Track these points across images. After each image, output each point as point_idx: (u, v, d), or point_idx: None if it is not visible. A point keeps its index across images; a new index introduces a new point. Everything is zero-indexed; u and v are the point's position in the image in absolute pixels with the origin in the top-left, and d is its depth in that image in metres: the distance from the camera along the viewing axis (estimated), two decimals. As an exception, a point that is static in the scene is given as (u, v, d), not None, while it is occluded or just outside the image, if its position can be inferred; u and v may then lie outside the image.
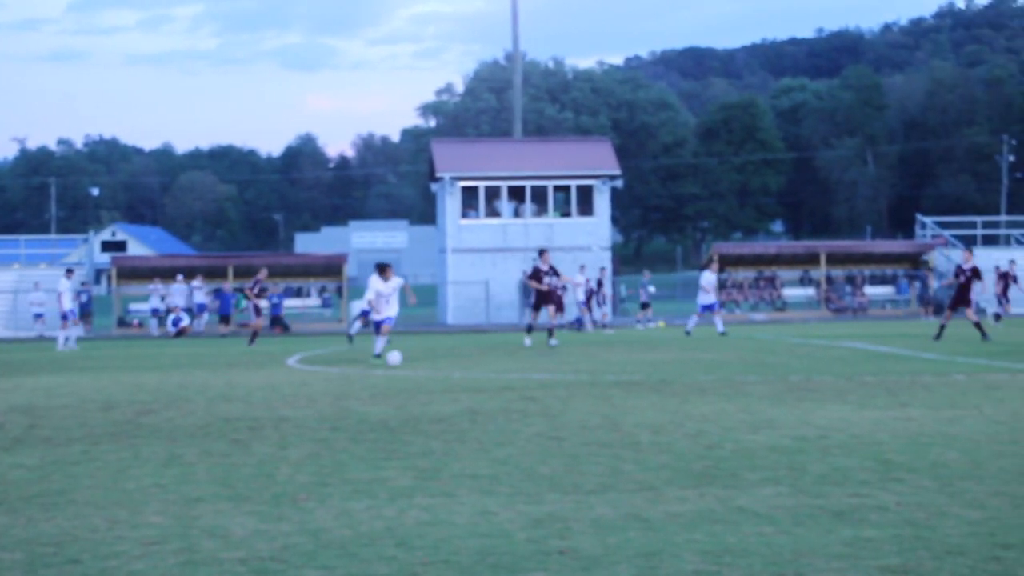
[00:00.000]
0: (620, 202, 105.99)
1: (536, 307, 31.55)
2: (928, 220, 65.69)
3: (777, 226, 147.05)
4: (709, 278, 37.03)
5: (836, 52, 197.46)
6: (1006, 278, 47.90)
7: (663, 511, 8.46)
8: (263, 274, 37.10)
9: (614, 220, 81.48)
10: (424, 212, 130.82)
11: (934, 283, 56.46)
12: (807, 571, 6.68)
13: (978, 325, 30.04)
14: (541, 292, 31.17)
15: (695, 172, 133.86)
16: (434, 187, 57.01)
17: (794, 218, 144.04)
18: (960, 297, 30.42)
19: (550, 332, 31.05)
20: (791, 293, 58.09)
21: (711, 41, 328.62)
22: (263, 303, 37.39)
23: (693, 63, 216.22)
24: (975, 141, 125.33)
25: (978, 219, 70.51)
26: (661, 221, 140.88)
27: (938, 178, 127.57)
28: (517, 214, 55.48)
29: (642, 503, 8.78)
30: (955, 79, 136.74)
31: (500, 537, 7.68)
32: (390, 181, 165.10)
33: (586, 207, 55.63)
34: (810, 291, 58.14)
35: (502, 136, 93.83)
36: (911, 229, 72.53)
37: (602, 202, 55.77)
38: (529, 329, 31.51)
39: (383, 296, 26.24)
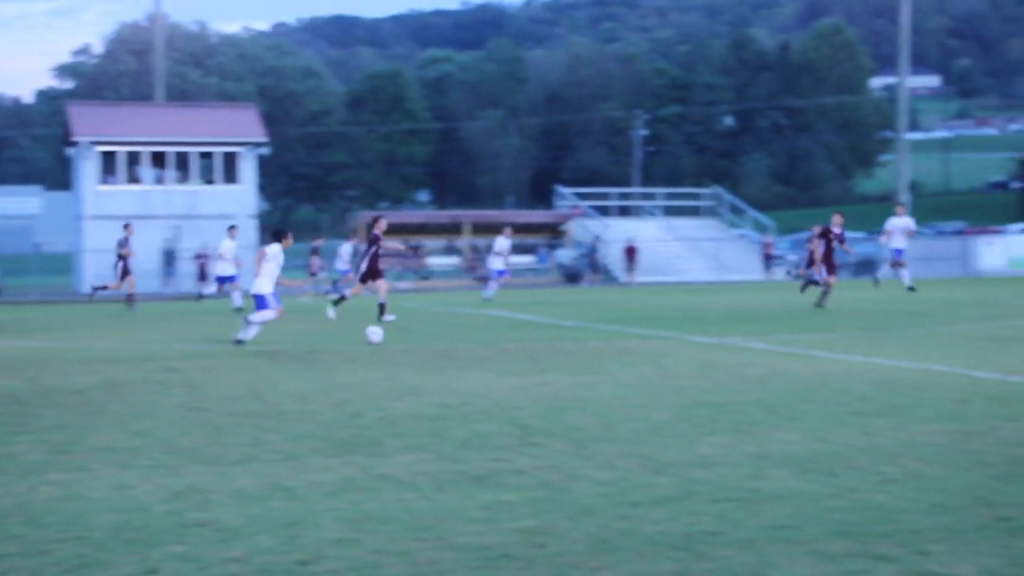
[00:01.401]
0: (266, 170, 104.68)
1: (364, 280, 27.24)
2: (567, 191, 67.86)
3: (423, 196, 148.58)
4: (504, 243, 38.25)
5: (481, 25, 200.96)
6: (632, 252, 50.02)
7: (306, 480, 8.46)
8: None
9: (260, 188, 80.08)
10: (60, 178, 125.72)
11: (573, 252, 58.41)
12: (447, 535, 6.82)
13: (819, 286, 28.91)
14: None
15: (342, 141, 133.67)
16: (70, 152, 54.83)
17: (440, 188, 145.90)
18: (827, 260, 28.89)
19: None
20: (436, 262, 58.92)
21: (358, 10, 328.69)
22: None
23: (340, 31, 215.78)
24: (611, 115, 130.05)
25: (613, 190, 73.32)
26: (308, 189, 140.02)
27: (577, 150, 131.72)
28: (159, 181, 54.08)
29: (285, 473, 8.75)
30: (592, 55, 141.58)
31: (137, 511, 7.51)
32: (22, 144, 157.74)
33: (231, 174, 54.77)
34: (455, 260, 59.12)
35: (143, 101, 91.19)
36: (551, 200, 74.68)
37: (248, 170, 55.05)
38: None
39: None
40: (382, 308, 25.19)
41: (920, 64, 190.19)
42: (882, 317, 25.26)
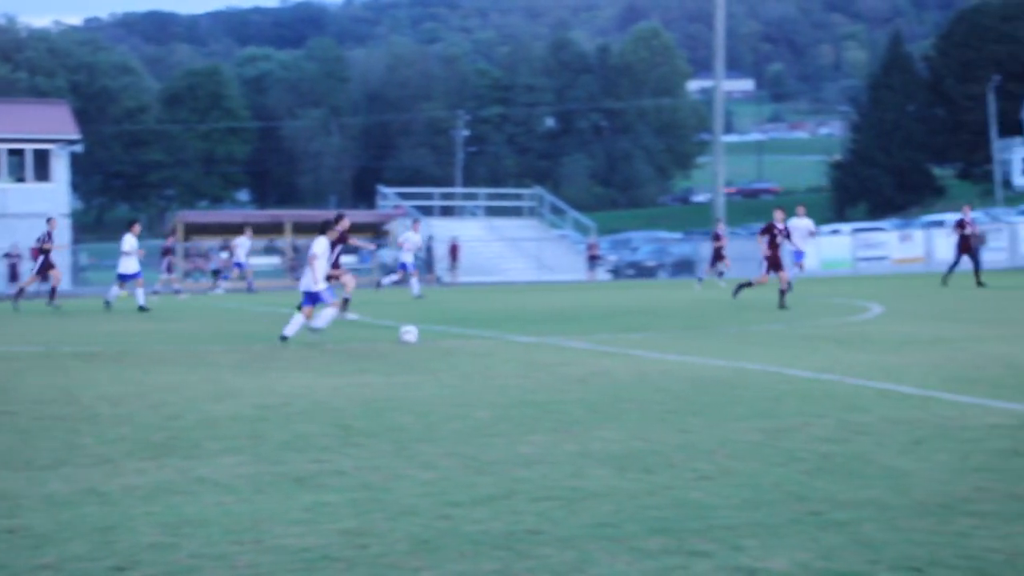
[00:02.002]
0: (80, 168, 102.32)
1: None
2: (389, 191, 67.71)
3: (243, 195, 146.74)
4: (414, 238, 37.18)
5: (300, 23, 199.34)
6: None
7: (120, 484, 8.27)
8: None
9: (74, 186, 78.21)
10: None
11: (395, 252, 58.26)
12: (266, 537, 6.73)
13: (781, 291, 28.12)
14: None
15: (159, 139, 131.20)
16: None
17: (260, 187, 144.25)
18: (773, 258, 28.08)
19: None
20: (257, 262, 58.24)
21: (174, 6, 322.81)
22: None
23: (156, 28, 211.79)
24: (433, 116, 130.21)
25: (435, 191, 73.39)
26: (124, 188, 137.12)
27: (399, 150, 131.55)
28: (-33, 178, 52.40)
29: (99, 477, 8.54)
30: (413, 55, 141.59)
31: (-57, 521, 7.25)
32: None
33: (43, 172, 53.34)
34: (276, 260, 58.52)
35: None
36: (373, 199, 74.41)
37: (60, 167, 53.68)
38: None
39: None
40: (346, 303, 25.81)
41: (735, 68, 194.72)
42: (699, 316, 25.76)
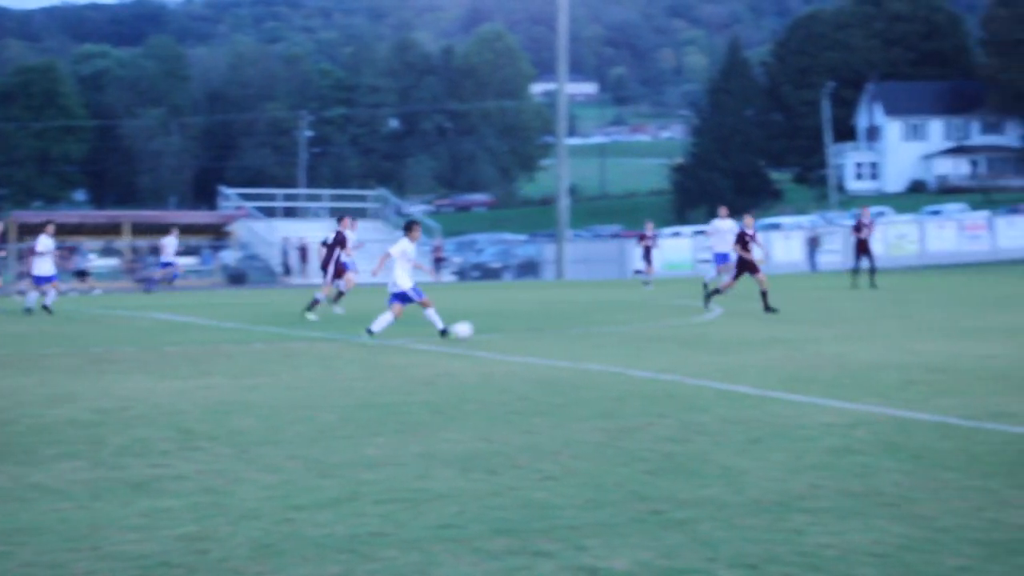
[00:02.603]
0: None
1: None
2: (231, 192, 66.88)
3: (80, 195, 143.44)
4: (172, 241, 37.75)
5: (139, 20, 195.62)
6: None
7: (-49, 493, 8.02)
8: None
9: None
10: None
11: (237, 253, 57.58)
12: (103, 544, 6.60)
13: (716, 291, 27.67)
14: None
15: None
16: None
17: (98, 187, 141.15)
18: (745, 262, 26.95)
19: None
20: (94, 263, 56.99)
21: (6, 1, 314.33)
22: None
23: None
24: (275, 116, 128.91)
25: (278, 192, 72.70)
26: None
27: (241, 151, 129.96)
28: None
29: (-72, 486, 8.28)
30: (255, 54, 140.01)
31: None
32: None
33: None
34: (114, 261, 57.37)
35: None
36: (215, 200, 73.41)
37: None
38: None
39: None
40: (315, 302, 26.68)
41: (578, 71, 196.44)
42: (543, 318, 25.93)
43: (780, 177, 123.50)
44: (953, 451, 8.97)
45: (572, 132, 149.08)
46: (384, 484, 8.16)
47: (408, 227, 20.71)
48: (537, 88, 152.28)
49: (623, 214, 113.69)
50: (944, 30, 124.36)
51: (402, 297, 20.33)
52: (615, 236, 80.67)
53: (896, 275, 45.79)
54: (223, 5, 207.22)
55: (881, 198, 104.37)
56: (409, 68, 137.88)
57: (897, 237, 64.31)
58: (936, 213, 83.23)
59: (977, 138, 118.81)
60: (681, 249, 63.60)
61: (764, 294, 25.94)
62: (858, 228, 36.66)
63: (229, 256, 58.98)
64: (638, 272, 45.22)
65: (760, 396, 12.17)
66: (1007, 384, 12.67)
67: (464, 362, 16.12)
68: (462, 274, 64.61)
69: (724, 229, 33.29)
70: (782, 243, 64.15)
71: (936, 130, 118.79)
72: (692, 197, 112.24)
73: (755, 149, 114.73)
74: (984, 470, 8.25)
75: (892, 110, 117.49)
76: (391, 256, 20.22)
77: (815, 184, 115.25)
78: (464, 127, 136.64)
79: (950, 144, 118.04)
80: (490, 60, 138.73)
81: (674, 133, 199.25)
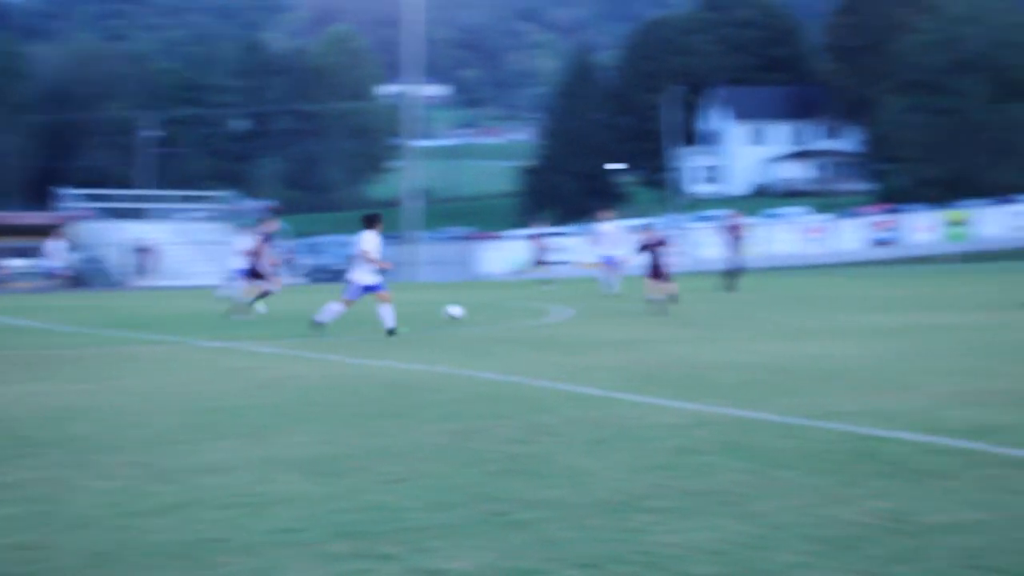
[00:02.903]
0: None
1: None
2: (73, 192, 65.44)
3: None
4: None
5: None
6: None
7: None
8: None
9: None
10: None
11: (76, 255, 56.31)
12: (-70, 557, 6.38)
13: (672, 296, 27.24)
14: None
15: None
16: None
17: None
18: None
19: None
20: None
21: None
22: None
23: None
24: (119, 115, 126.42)
25: (123, 192, 71.38)
26: None
27: (83, 150, 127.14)
28: None
29: None
30: (99, 52, 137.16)
31: None
32: None
33: None
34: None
35: None
36: (56, 201, 71.78)
37: None
38: None
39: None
40: (257, 300, 27.36)
41: (429, 73, 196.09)
42: (396, 320, 25.78)
43: (627, 180, 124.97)
44: (790, 450, 9.14)
45: (423, 134, 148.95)
46: (224, 489, 8.03)
47: (371, 220, 20.62)
48: (387, 90, 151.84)
49: (474, 216, 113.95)
50: (787, 37, 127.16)
51: (369, 289, 20.55)
52: (464, 238, 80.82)
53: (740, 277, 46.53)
54: (66, 2, 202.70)
55: (726, 201, 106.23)
56: (258, 68, 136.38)
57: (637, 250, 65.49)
58: (776, 216, 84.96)
59: (819, 142, 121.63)
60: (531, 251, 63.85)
61: (668, 299, 25.92)
62: (732, 230, 37.24)
63: (63, 258, 57.58)
64: (537, 270, 44.80)
65: (606, 397, 12.27)
66: (841, 383, 12.98)
67: (310, 365, 15.98)
68: (309, 275, 64.09)
69: (607, 232, 33.61)
70: (591, 242, 64.83)
71: (780, 134, 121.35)
72: (541, 199, 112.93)
73: (603, 152, 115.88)
74: (818, 468, 8.42)
75: (737, 114, 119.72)
76: (367, 252, 20.21)
77: (661, 187, 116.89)
78: (313, 128, 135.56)
79: (793, 148, 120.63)
80: (340, 61, 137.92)
81: (524, 136, 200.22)
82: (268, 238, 28.18)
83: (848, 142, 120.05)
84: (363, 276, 20.35)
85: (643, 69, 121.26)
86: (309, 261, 67.12)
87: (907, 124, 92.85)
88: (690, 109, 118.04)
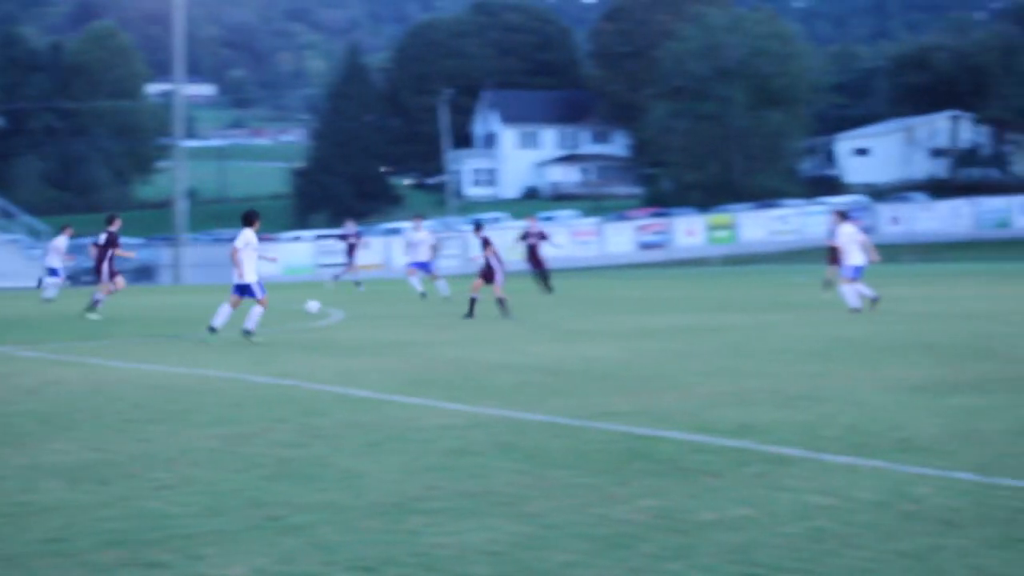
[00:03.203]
0: None
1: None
2: None
3: None
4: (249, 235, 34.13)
5: None
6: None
7: None
8: None
9: None
10: None
11: None
12: None
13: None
14: None
15: None
16: None
17: None
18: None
19: None
20: None
21: None
22: None
23: None
24: None
25: None
26: None
27: None
28: None
29: None
30: None
31: None
32: None
33: None
34: None
35: None
36: None
37: None
38: None
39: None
40: (96, 302, 26.39)
41: (196, 72, 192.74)
42: (160, 323, 25.27)
43: (400, 182, 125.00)
44: (564, 450, 9.28)
45: (190, 134, 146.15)
46: (-15, 500, 7.74)
47: (247, 217, 20.12)
48: (153, 88, 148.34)
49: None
50: (556, 42, 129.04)
51: (244, 290, 19.90)
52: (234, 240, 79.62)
53: (512, 279, 47.04)
54: None
55: (498, 204, 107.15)
56: (14, 64, 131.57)
57: (514, 242, 66.11)
58: (548, 219, 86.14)
59: (587, 147, 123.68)
60: (302, 254, 63.36)
61: (472, 301, 25.38)
62: (524, 237, 37.57)
63: None
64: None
65: (380, 400, 12.25)
66: (612, 384, 13.23)
67: (74, 369, 15.51)
68: (74, 279, 62.16)
69: (419, 240, 33.72)
70: (402, 248, 64.92)
71: (549, 138, 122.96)
72: (313, 201, 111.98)
73: (375, 154, 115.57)
74: (592, 467, 8.57)
75: (507, 118, 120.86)
76: (238, 250, 19.68)
77: (434, 190, 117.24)
78: (76, 127, 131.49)
79: (562, 152, 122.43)
80: (103, 58, 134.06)
81: (295, 137, 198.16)
82: (112, 239, 27.00)
83: (616, 147, 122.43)
84: (248, 274, 19.72)
85: (414, 71, 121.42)
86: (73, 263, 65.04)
87: (672, 129, 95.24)
88: (463, 112, 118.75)
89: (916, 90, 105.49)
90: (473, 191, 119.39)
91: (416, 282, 33.55)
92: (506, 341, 19.02)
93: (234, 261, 19.95)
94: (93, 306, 26.48)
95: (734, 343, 17.84)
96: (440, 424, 10.58)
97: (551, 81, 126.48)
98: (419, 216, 36.64)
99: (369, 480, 8.24)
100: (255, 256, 20.05)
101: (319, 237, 71.52)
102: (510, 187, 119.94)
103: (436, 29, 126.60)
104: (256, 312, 19.80)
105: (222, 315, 20.14)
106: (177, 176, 61.19)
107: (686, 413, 10.99)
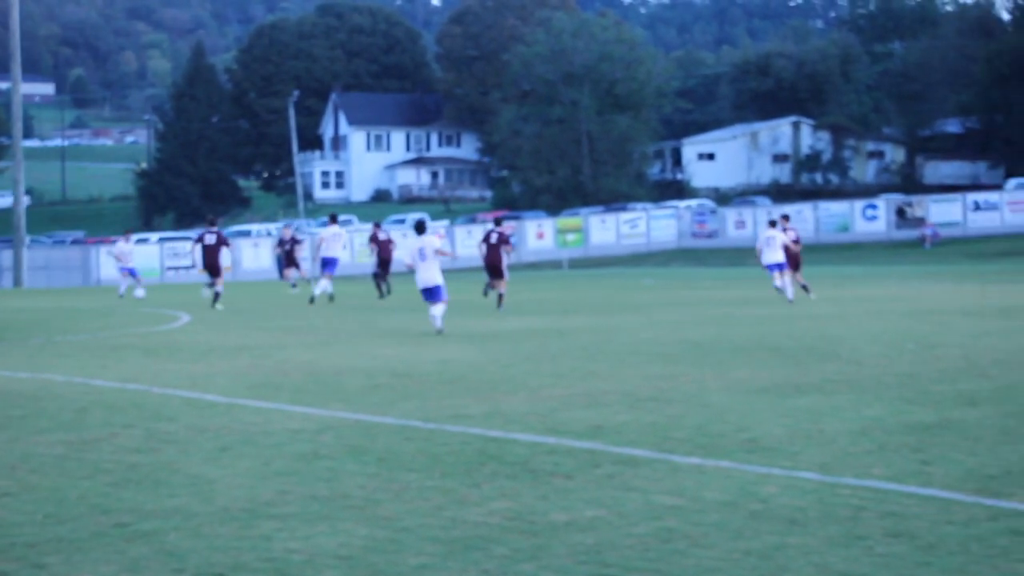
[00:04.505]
0: None
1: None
2: None
3: None
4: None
5: None
6: None
7: None
8: None
9: None
10: None
11: None
12: None
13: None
14: None
15: None
16: None
17: None
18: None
19: None
20: None
21: None
22: None
23: None
24: None
25: None
26: None
27: None
28: None
29: None
30: None
31: None
32: None
33: None
34: None
35: None
36: None
37: None
38: None
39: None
40: None
41: (33, 71, 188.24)
42: (0, 328, 24.64)
43: (248, 184, 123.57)
44: (415, 453, 9.27)
45: (29, 134, 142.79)
46: None
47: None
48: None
49: (86, 220, 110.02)
50: (404, 44, 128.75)
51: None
52: (77, 242, 77.91)
53: (357, 283, 46.78)
54: None
55: (348, 206, 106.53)
56: None
57: (361, 246, 65.85)
58: (397, 223, 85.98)
59: (436, 150, 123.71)
60: (149, 256, 62.22)
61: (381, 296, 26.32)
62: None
63: None
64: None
65: (228, 404, 12.10)
66: (463, 387, 13.26)
67: (-91, 376, 15.02)
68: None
69: (331, 236, 33.54)
70: (251, 251, 64.27)
71: (398, 141, 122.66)
72: (159, 203, 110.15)
73: (222, 156, 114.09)
74: (444, 470, 8.58)
75: (356, 120, 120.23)
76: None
77: (283, 192, 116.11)
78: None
79: (411, 155, 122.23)
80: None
81: (139, 138, 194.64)
82: None
83: (466, 150, 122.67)
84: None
85: (260, 72, 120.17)
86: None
87: (521, 133, 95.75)
88: (311, 114, 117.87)
89: (759, 96, 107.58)
90: (322, 194, 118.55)
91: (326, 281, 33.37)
92: (355, 344, 18.94)
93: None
94: None
95: (584, 345, 18.00)
96: (290, 428, 10.50)
97: (400, 84, 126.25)
98: (333, 214, 36.43)
99: (219, 485, 8.14)
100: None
101: (163, 240, 70.29)
102: (359, 190, 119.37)
103: (282, 30, 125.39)
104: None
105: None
106: (16, 177, 59.64)
107: (537, 415, 11.05)
